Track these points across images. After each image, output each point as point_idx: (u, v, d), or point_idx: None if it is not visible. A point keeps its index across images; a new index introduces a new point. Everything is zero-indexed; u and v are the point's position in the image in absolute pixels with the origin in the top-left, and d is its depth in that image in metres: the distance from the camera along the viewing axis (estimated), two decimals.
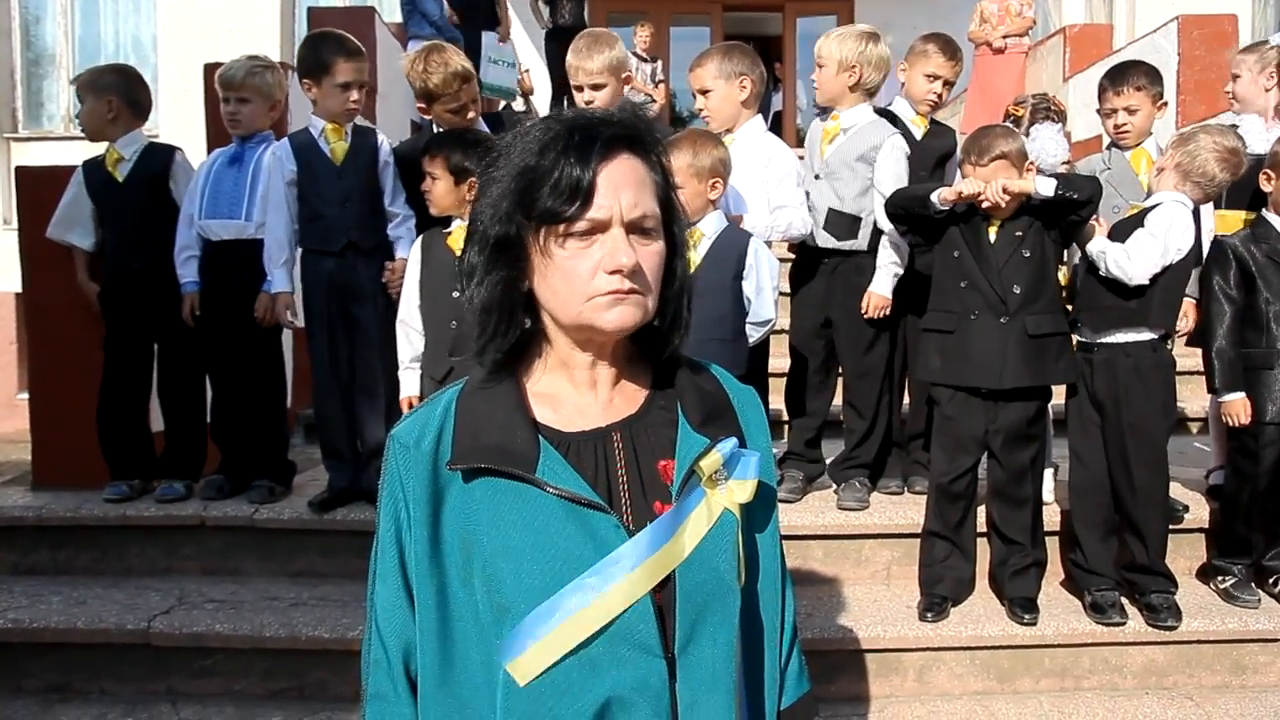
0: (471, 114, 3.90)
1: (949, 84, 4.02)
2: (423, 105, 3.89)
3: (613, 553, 1.16)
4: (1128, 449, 3.39)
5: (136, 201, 4.09)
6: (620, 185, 1.17)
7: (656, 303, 1.23)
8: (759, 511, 1.29)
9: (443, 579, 1.20)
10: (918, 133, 4.04)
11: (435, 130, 3.89)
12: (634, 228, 1.18)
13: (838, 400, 4.11)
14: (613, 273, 1.16)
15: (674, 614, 1.19)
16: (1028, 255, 3.35)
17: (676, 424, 1.25)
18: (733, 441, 1.24)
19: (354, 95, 3.84)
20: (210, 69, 4.58)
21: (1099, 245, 3.40)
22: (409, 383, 3.38)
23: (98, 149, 4.22)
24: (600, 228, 1.17)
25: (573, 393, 1.25)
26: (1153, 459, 3.40)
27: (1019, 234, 3.36)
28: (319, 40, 3.92)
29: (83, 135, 4.33)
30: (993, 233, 3.38)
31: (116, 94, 4.13)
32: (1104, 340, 3.42)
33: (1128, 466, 3.39)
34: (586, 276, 1.17)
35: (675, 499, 1.21)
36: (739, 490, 1.23)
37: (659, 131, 1.26)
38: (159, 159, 4.18)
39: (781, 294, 3.55)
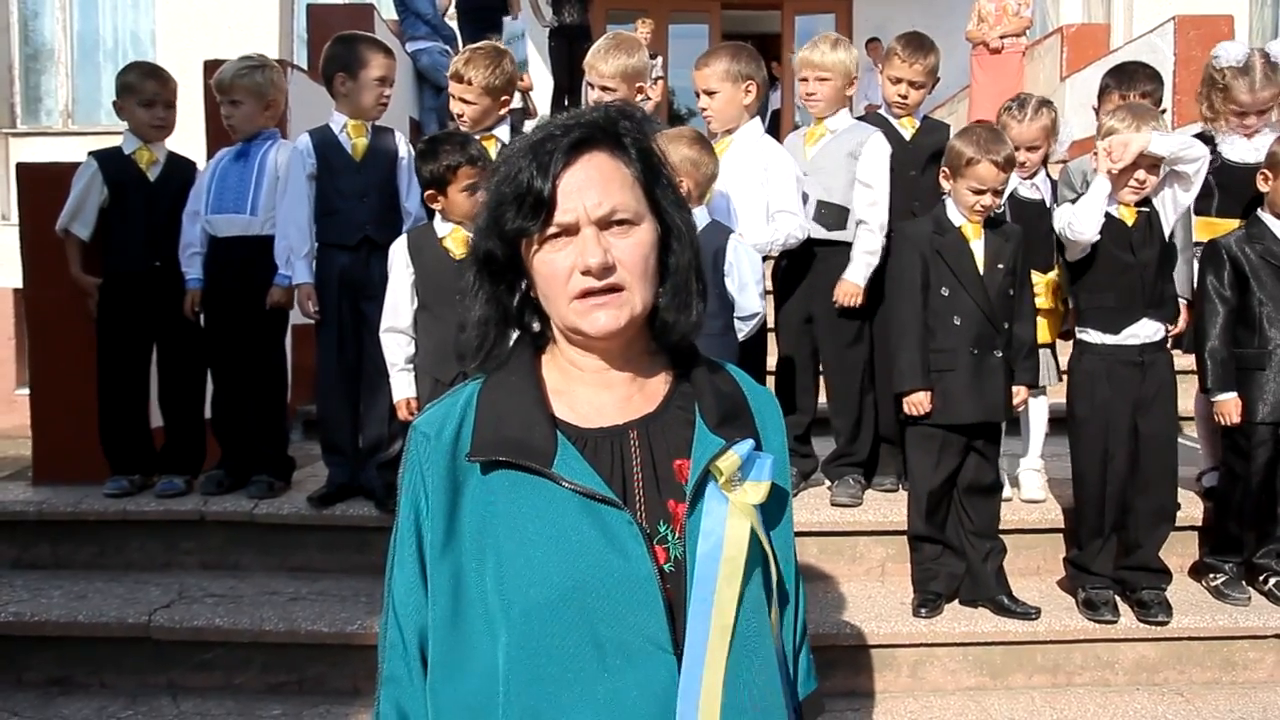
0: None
1: (915, 85, 4.01)
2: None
3: (688, 640, 1.20)
4: (1166, 446, 3.46)
5: (166, 202, 4.13)
6: (584, 187, 1.21)
7: (650, 291, 1.25)
8: (772, 512, 1.31)
9: (458, 567, 1.22)
10: (906, 133, 4.07)
11: (439, 126, 3.91)
12: (606, 223, 1.21)
13: (823, 396, 4.13)
14: (585, 273, 1.20)
15: (684, 611, 1.21)
16: (1012, 294, 3.46)
17: (693, 424, 1.27)
18: (749, 443, 1.26)
19: (387, 91, 3.95)
20: (209, 65, 4.60)
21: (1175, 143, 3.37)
22: (403, 385, 3.39)
23: (101, 142, 4.24)
24: (570, 231, 1.21)
25: (589, 392, 1.28)
26: (1174, 454, 3.50)
27: (1000, 266, 3.43)
28: (354, 38, 4.00)
29: (80, 131, 4.35)
30: (980, 264, 3.43)
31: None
32: (1152, 341, 3.44)
33: (1164, 463, 3.45)
34: (564, 279, 1.21)
35: (689, 499, 1.23)
36: (753, 492, 1.25)
37: (633, 122, 1.27)
38: (184, 168, 4.25)
39: (767, 291, 3.58)
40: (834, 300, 3.84)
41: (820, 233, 3.86)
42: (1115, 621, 3.40)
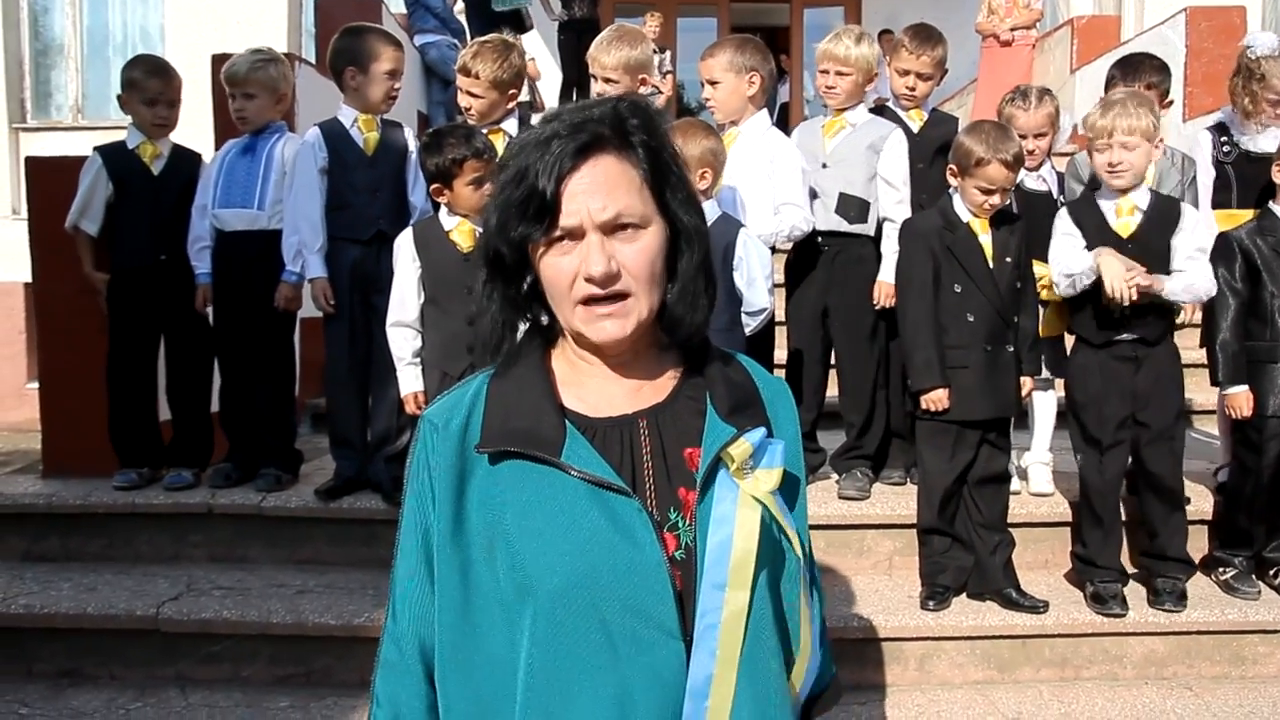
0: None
1: (923, 76, 4.01)
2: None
3: (698, 618, 1.19)
4: (1174, 438, 3.43)
5: (171, 196, 4.13)
6: (588, 192, 1.19)
7: (657, 295, 1.24)
8: (786, 500, 1.30)
9: (466, 557, 1.22)
10: (914, 125, 4.08)
11: (447, 120, 3.90)
12: (611, 228, 1.20)
13: (832, 390, 4.12)
14: (589, 280, 1.19)
15: (694, 598, 1.20)
16: (1020, 286, 3.46)
17: (704, 413, 1.27)
18: (761, 431, 1.25)
19: (396, 84, 3.95)
20: (217, 60, 4.60)
21: (1182, 285, 3.38)
22: (411, 379, 3.39)
23: (111, 137, 4.24)
24: (575, 235, 1.20)
25: (598, 382, 1.28)
26: (1179, 444, 3.48)
27: (1008, 260, 3.42)
28: (363, 30, 4.01)
29: (90, 126, 4.36)
30: (990, 259, 3.42)
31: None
32: (1145, 335, 3.42)
33: (1167, 454, 3.43)
34: (569, 284, 1.20)
35: (699, 486, 1.23)
36: (765, 479, 1.24)
37: (642, 119, 1.25)
38: (190, 161, 4.25)
39: (776, 285, 3.56)
40: (873, 302, 3.85)
41: (842, 225, 3.86)
42: (1123, 615, 3.39)
